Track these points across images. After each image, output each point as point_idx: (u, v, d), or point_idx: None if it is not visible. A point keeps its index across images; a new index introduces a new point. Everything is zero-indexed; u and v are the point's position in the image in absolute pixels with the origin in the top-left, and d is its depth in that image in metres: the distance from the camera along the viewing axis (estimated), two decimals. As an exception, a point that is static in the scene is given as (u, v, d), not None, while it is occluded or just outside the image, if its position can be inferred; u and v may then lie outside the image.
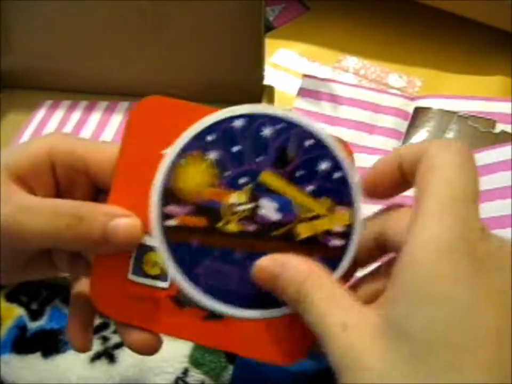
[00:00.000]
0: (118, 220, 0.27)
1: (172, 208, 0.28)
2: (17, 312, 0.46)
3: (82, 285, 0.30)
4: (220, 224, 0.28)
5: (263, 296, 0.27)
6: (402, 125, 0.52)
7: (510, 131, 0.49)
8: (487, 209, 0.43)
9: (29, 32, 0.56)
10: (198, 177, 0.28)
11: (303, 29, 0.66)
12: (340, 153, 0.28)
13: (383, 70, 0.61)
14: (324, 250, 0.28)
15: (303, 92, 0.54)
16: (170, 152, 0.28)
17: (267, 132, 0.29)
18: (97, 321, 0.45)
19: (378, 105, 0.53)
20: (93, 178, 0.30)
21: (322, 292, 0.24)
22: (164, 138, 0.27)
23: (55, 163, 0.29)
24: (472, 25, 0.59)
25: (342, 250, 0.28)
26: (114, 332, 0.44)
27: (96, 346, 0.44)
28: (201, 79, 0.56)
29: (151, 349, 0.29)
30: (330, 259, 0.28)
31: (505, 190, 0.43)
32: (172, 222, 0.28)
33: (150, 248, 0.28)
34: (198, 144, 0.28)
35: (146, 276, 0.28)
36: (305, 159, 0.29)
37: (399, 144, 0.51)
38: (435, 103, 0.52)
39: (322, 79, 0.55)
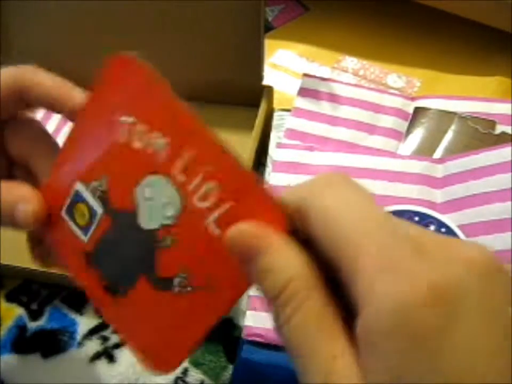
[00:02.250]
0: (19, 206, 0.30)
1: None
2: (17, 312, 0.46)
3: None
4: None
5: None
6: (403, 125, 0.52)
7: (510, 132, 0.49)
8: (486, 212, 0.43)
9: (29, 32, 0.56)
10: None
11: (302, 29, 0.66)
12: (438, 215, 0.44)
13: (382, 70, 0.61)
14: None
15: (303, 92, 0.54)
16: None
17: None
18: (97, 321, 0.45)
19: (379, 105, 0.53)
20: None
21: (311, 312, 0.20)
22: (125, 104, 0.28)
23: None
24: (472, 26, 0.59)
25: None
26: (114, 332, 0.44)
27: (96, 346, 0.44)
28: (201, 79, 0.56)
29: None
30: None
31: (505, 192, 0.43)
32: None
33: (82, 200, 0.30)
34: None
35: (74, 221, 0.30)
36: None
37: (399, 144, 0.51)
38: (435, 104, 0.52)
39: (323, 79, 0.55)
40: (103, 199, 0.29)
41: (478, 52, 0.61)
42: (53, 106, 0.32)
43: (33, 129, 0.34)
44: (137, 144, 0.28)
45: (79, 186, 0.30)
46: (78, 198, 0.30)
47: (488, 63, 0.60)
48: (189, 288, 0.27)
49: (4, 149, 0.33)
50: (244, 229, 0.22)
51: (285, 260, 0.21)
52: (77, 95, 0.32)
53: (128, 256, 0.29)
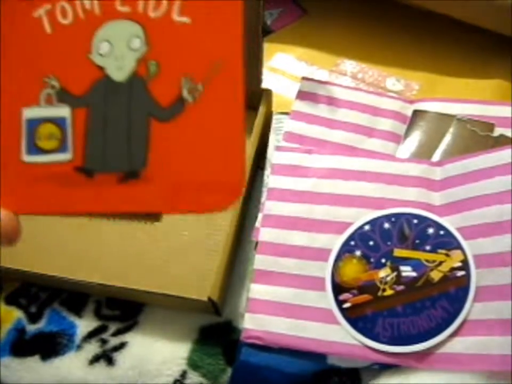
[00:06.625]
0: None
1: (344, 296, 0.42)
2: (16, 315, 0.46)
3: None
4: (379, 294, 0.41)
5: (422, 332, 0.39)
6: (401, 128, 0.52)
7: (509, 135, 0.49)
8: (485, 215, 0.43)
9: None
10: (354, 270, 0.42)
11: (301, 32, 0.67)
12: (437, 218, 0.43)
13: (380, 73, 0.61)
14: (455, 282, 0.41)
15: (301, 95, 0.54)
16: (331, 261, 0.42)
17: (386, 225, 0.44)
18: (96, 323, 0.45)
19: (377, 108, 0.53)
20: None
21: None
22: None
23: None
24: (470, 29, 0.60)
25: (467, 276, 0.41)
26: (113, 335, 0.44)
27: (95, 348, 0.44)
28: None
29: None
30: (461, 287, 0.41)
31: (503, 194, 0.43)
32: (347, 305, 0.41)
33: (42, 120, 0.26)
34: (345, 249, 0.43)
35: (43, 152, 0.26)
36: (417, 231, 0.43)
37: (397, 147, 0.51)
38: (434, 106, 0.53)
39: (321, 82, 0.55)
40: (64, 96, 0.26)
41: (477, 55, 0.61)
42: None
43: None
44: (65, 22, 0.26)
45: (26, 113, 0.26)
46: (34, 124, 0.26)
47: (487, 66, 0.60)
48: (199, 87, 0.25)
49: None
50: None
51: None
52: None
53: (124, 125, 0.26)
